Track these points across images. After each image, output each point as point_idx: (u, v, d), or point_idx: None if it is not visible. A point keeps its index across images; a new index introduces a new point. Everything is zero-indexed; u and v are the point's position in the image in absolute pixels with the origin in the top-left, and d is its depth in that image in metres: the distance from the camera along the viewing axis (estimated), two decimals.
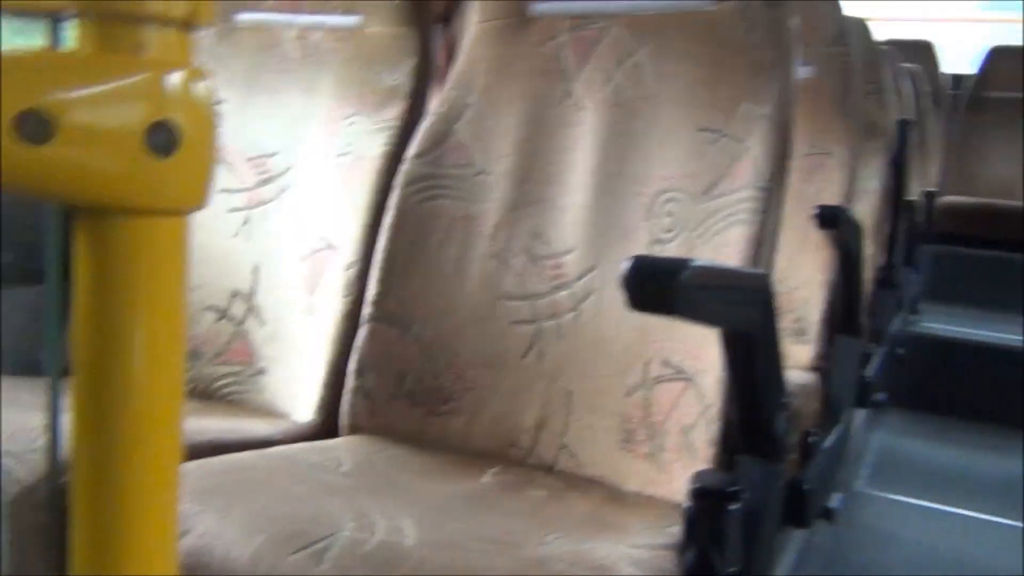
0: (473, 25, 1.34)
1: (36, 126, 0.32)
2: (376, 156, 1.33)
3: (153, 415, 0.38)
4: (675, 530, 0.93)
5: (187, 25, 0.36)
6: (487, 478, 1.13)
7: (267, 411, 1.37)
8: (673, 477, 1.08)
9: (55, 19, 0.38)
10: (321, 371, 1.30)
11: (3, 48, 0.33)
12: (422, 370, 1.23)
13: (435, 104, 1.29)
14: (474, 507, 1.01)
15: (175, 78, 0.35)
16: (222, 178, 1.48)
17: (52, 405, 0.43)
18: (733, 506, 0.87)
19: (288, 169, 1.44)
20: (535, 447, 1.19)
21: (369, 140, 1.35)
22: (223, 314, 1.44)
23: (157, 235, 0.36)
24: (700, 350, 1.08)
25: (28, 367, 1.41)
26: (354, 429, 1.25)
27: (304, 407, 1.31)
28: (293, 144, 1.45)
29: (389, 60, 1.35)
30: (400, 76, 1.34)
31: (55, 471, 0.47)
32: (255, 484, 0.98)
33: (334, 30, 1.39)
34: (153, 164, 0.35)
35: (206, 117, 0.37)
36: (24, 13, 0.37)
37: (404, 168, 1.27)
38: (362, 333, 1.25)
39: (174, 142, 0.35)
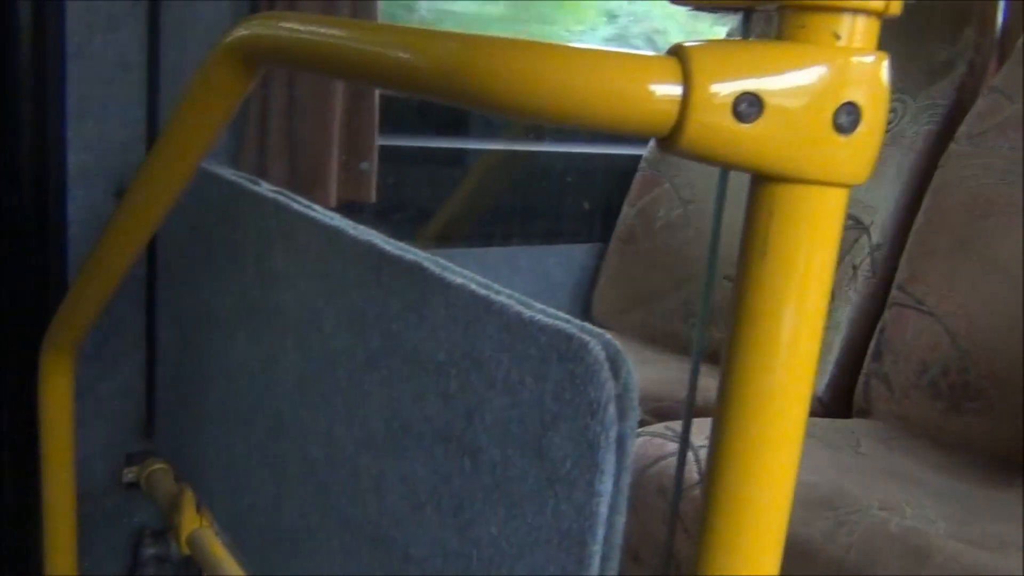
0: None
1: (749, 107, 0.38)
2: (917, 135, 1.28)
3: (794, 372, 0.43)
4: None
5: (880, 13, 0.39)
6: (1020, 488, 1.05)
7: None
8: None
9: (748, 11, 0.43)
10: (835, 350, 1.29)
11: (720, 40, 0.39)
12: (949, 362, 1.17)
13: (995, 79, 1.19)
14: (1010, 514, 0.95)
15: (864, 62, 0.39)
16: None
17: (692, 373, 0.50)
18: None
19: None
20: None
21: (911, 118, 1.30)
22: None
23: (824, 204, 0.40)
24: None
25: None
26: (866, 412, 1.23)
27: (814, 383, 1.31)
28: None
29: (945, 33, 1.28)
30: (956, 50, 1.26)
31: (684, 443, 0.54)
32: None
33: None
34: (835, 140, 0.39)
35: (884, 99, 0.40)
36: (720, 8, 0.43)
37: (952, 148, 1.20)
38: (886, 316, 1.22)
39: (856, 121, 0.39)
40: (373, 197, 1.30)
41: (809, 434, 1.18)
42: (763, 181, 0.40)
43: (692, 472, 0.99)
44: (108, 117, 1.19)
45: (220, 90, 0.61)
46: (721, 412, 0.44)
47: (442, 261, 0.68)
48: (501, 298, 0.59)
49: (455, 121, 1.56)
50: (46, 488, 1.02)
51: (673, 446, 1.02)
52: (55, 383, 0.96)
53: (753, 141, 0.39)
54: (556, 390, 0.54)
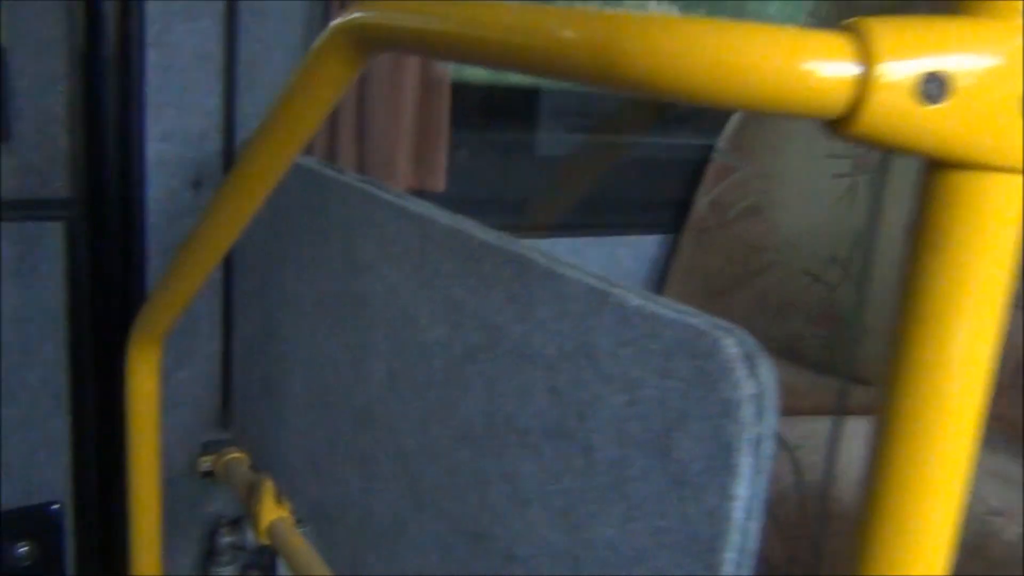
0: None
1: (935, 88, 0.35)
2: None
3: (970, 374, 0.40)
4: None
5: None
6: None
7: (862, 377, 1.36)
8: None
9: None
10: None
11: (901, 17, 0.37)
12: None
13: None
14: None
15: None
16: (828, 143, 1.49)
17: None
18: None
19: None
20: None
21: None
22: (817, 278, 1.46)
23: (1007, 193, 0.37)
24: None
25: None
26: None
27: None
28: None
29: None
30: None
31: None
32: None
33: None
34: (1022, 124, 0.36)
35: None
36: None
37: None
38: None
39: None
40: (443, 186, 1.28)
41: None
42: (941, 168, 0.38)
43: (785, 472, 0.96)
44: (185, 107, 1.18)
45: (328, 77, 0.59)
46: (887, 416, 0.41)
47: (547, 252, 0.66)
48: (619, 291, 0.57)
49: (524, 112, 1.54)
50: (132, 478, 1.02)
51: None
52: (142, 374, 0.96)
53: (936, 124, 0.36)
54: (683, 388, 0.52)
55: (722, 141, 1.60)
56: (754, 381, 0.49)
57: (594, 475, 0.60)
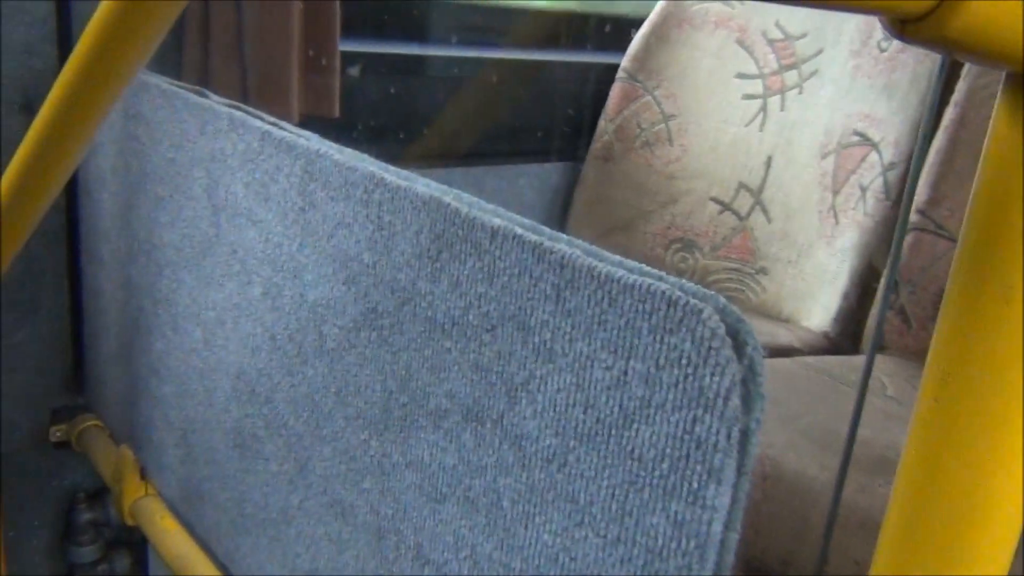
0: None
1: None
2: None
3: None
4: None
5: None
6: None
7: (767, 313, 1.30)
8: None
9: None
10: (841, 279, 1.19)
11: None
12: None
13: None
14: None
15: None
16: (738, 62, 1.40)
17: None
18: None
19: (818, 53, 1.31)
20: None
21: None
22: (726, 206, 1.38)
23: None
24: None
25: None
26: (879, 347, 1.13)
27: (817, 315, 1.22)
28: (824, 25, 1.32)
29: None
30: None
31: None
32: (805, 395, 0.92)
33: None
34: None
35: None
36: None
37: None
38: (904, 243, 1.12)
39: None
40: (337, 111, 1.12)
41: (826, 373, 1.06)
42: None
43: None
44: (7, 13, 0.99)
45: None
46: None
47: (463, 194, 0.53)
48: (561, 246, 0.46)
49: (415, 27, 1.39)
50: None
51: None
52: None
53: None
54: (648, 370, 0.41)
55: (627, 61, 1.49)
56: (741, 363, 0.39)
57: (527, 470, 0.49)
